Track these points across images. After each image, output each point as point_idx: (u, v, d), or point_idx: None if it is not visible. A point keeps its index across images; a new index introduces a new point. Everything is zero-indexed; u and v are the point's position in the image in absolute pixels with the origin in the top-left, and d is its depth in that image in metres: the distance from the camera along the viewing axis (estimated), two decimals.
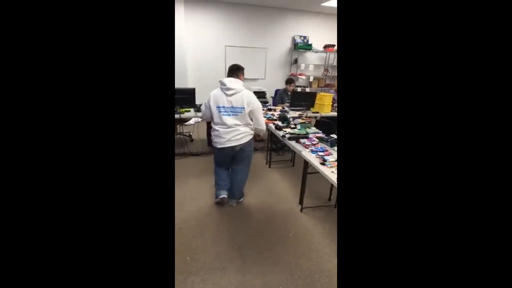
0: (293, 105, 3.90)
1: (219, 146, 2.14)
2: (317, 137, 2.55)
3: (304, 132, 2.58)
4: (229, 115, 2.06)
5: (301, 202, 2.46)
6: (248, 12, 5.49)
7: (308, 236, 2.08)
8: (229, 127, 2.07)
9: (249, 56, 5.77)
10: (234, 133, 2.08)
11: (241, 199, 2.53)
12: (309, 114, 3.83)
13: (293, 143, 2.45)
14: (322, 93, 4.07)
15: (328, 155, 2.10)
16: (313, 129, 2.84)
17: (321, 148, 2.25)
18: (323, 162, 1.97)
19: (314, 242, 2.02)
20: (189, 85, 5.51)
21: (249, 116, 2.09)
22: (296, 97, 3.90)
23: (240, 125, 2.08)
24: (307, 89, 6.04)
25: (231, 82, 2.04)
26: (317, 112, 3.90)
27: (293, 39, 5.93)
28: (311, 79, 6.18)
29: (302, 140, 2.42)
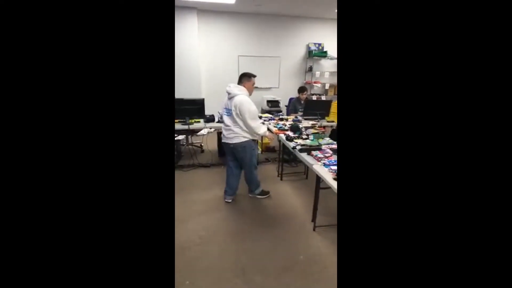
0: (307, 114, 3.72)
1: (222, 140, 2.56)
2: (331, 149, 2.36)
3: (317, 144, 2.40)
4: (227, 115, 2.40)
5: (313, 219, 2.26)
6: (261, 21, 5.45)
7: (320, 259, 1.88)
8: (226, 125, 2.43)
9: (262, 65, 5.69)
10: (228, 132, 2.42)
11: (257, 193, 2.72)
12: (324, 123, 3.64)
13: (304, 155, 2.27)
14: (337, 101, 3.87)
15: None
16: (327, 139, 2.64)
17: (335, 161, 2.05)
18: (336, 177, 1.78)
19: (327, 266, 1.81)
20: (203, 95, 5.54)
21: (240, 116, 2.31)
22: (309, 105, 3.72)
23: (232, 125, 2.37)
24: (323, 97, 5.84)
25: (231, 87, 2.35)
26: (332, 121, 3.69)
27: (307, 47, 5.80)
28: (327, 86, 5.98)
29: (314, 152, 2.23)
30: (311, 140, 2.63)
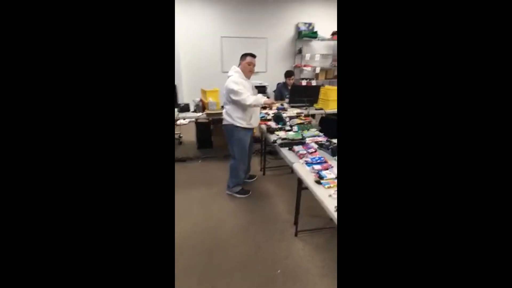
0: (293, 101, 3.38)
1: None
2: (316, 142, 2.06)
3: (300, 137, 2.08)
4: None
5: (295, 223, 1.99)
6: None
7: (301, 273, 1.62)
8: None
9: (248, 47, 5.22)
10: (223, 111, 2.34)
11: (235, 191, 2.49)
12: (312, 111, 3.32)
13: (285, 151, 1.97)
14: (327, 87, 3.54)
15: (327, 168, 1.61)
16: (312, 131, 2.34)
17: (319, 158, 1.75)
18: (319, 179, 1.49)
19: (309, 282, 1.55)
20: (183, 80, 5.13)
21: (228, 98, 2.19)
22: (296, 92, 3.38)
23: (225, 105, 2.28)
24: (313, 82, 5.48)
25: (231, 70, 2.25)
26: (321, 109, 3.37)
27: (297, 27, 5.37)
28: (318, 70, 5.60)
29: (296, 148, 1.93)
30: (295, 132, 2.32)
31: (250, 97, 2.11)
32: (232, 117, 2.23)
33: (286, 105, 3.49)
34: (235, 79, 2.13)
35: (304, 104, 3.36)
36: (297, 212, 1.92)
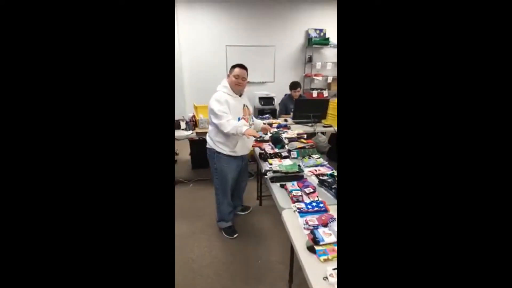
0: (298, 116, 2.97)
1: None
2: (318, 176, 1.62)
3: (296, 169, 1.65)
4: None
5: (290, 282, 1.55)
6: (252, 4, 4.66)
7: None
8: None
9: (254, 56, 4.92)
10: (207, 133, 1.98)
11: (221, 226, 2.11)
12: (319, 128, 2.88)
13: (276, 188, 1.54)
14: (336, 100, 3.08)
15: (326, 223, 1.17)
16: (315, 158, 1.90)
17: (318, 203, 1.32)
18: (314, 242, 1.05)
19: None
20: (185, 91, 4.86)
21: (209, 118, 1.85)
22: (301, 106, 2.96)
23: (209, 124, 1.92)
24: (325, 93, 5.02)
25: (221, 83, 1.87)
26: (330, 126, 2.92)
27: (307, 34, 4.96)
28: (330, 80, 5.13)
29: (289, 185, 1.50)
30: (292, 159, 1.89)
31: (230, 123, 1.70)
32: (213, 140, 1.85)
33: (290, 120, 3.08)
34: (219, 97, 1.76)
35: (310, 120, 2.93)
36: (291, 268, 1.48)
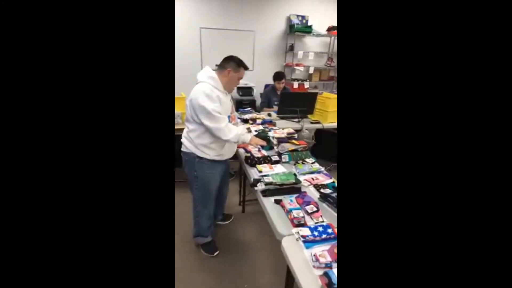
0: (283, 111, 2.70)
1: None
2: (316, 187, 1.38)
3: (292, 180, 1.38)
4: None
5: None
6: None
7: None
8: None
9: (232, 41, 4.51)
10: (184, 130, 1.62)
11: (199, 242, 1.78)
12: (307, 125, 2.64)
13: (269, 204, 1.27)
14: (325, 94, 2.86)
15: None
16: (309, 162, 1.65)
17: (325, 228, 1.07)
18: (328, 286, 0.80)
19: None
20: None
21: (193, 116, 1.48)
22: (286, 100, 2.69)
23: (188, 122, 1.56)
24: (306, 84, 4.81)
25: (201, 72, 1.53)
26: (318, 122, 2.70)
27: (288, 20, 4.65)
28: (311, 70, 4.91)
29: (286, 201, 1.23)
30: (284, 163, 1.63)
31: (230, 128, 1.43)
32: (194, 143, 1.51)
33: (274, 115, 2.81)
34: (209, 91, 1.42)
35: (296, 115, 2.68)
36: None
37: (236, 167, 2.70)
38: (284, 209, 1.20)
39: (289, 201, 1.22)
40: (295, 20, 4.64)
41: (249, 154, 1.71)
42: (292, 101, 2.68)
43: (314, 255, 0.93)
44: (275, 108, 2.96)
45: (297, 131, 2.64)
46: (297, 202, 1.22)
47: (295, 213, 1.13)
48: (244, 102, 4.05)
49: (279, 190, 1.33)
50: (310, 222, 1.12)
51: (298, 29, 4.56)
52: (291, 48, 4.72)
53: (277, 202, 1.26)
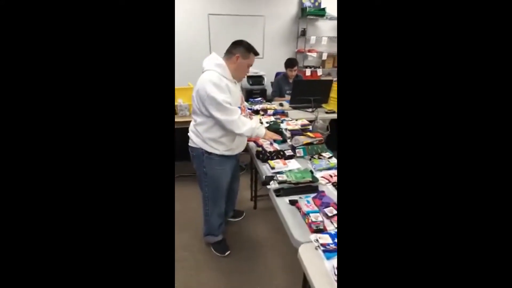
0: (296, 100, 2.54)
1: None
2: (335, 185, 1.25)
3: (309, 177, 1.25)
4: None
5: None
6: None
7: None
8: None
9: (241, 27, 4.32)
10: (191, 124, 1.51)
11: (209, 241, 1.71)
12: (321, 115, 2.49)
13: (284, 206, 1.16)
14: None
15: None
16: (326, 157, 1.52)
17: None
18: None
19: None
20: None
21: (200, 108, 1.37)
22: (299, 88, 2.53)
23: (195, 114, 1.45)
24: (319, 71, 4.59)
25: (207, 59, 1.40)
26: (333, 111, 2.54)
27: (300, 2, 4.40)
28: (324, 56, 4.67)
29: (302, 202, 1.12)
30: (298, 158, 1.50)
31: (244, 121, 1.32)
32: (202, 137, 1.41)
33: (286, 105, 2.66)
34: (217, 80, 1.30)
35: (310, 105, 2.52)
36: None
37: (247, 160, 2.59)
38: (300, 212, 1.09)
39: (306, 202, 1.11)
40: (307, 3, 4.37)
41: (260, 149, 1.59)
42: (305, 89, 2.52)
43: (336, 268, 0.82)
44: (287, 97, 2.81)
45: (311, 121, 2.50)
46: (315, 204, 1.10)
47: (313, 217, 1.01)
48: (254, 91, 3.90)
49: (294, 189, 1.21)
50: (331, 227, 1.01)
51: (311, 12, 4.30)
52: (303, 33, 4.48)
53: (292, 203, 1.14)
